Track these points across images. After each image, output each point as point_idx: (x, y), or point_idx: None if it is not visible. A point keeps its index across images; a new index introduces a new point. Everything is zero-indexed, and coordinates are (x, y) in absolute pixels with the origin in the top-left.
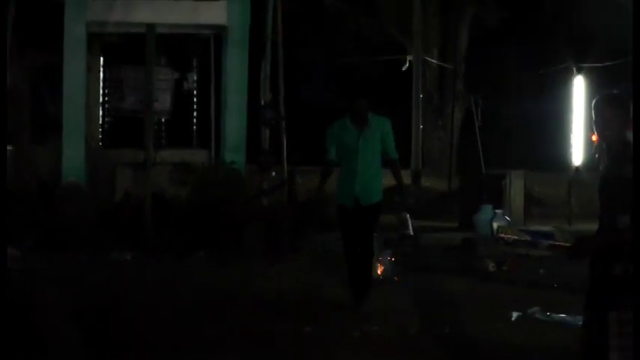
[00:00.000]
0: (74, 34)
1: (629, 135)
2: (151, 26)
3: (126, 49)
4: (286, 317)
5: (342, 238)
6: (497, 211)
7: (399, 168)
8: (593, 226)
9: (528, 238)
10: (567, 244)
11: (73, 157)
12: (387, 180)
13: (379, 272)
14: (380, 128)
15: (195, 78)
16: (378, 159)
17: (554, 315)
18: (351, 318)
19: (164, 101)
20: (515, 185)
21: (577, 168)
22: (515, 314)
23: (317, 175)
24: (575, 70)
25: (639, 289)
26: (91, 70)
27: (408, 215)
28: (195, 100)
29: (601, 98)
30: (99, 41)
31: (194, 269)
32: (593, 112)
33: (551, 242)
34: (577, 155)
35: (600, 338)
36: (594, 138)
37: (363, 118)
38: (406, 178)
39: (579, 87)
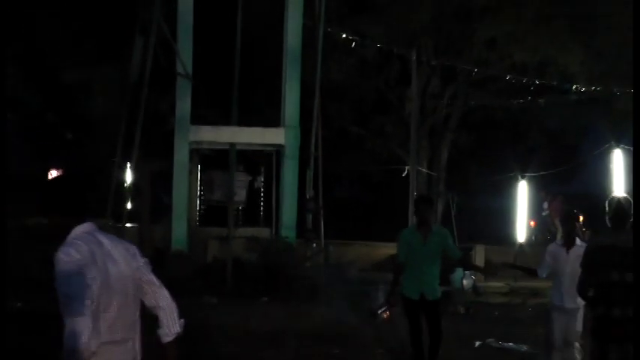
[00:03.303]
0: (180, 150)
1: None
2: (232, 145)
3: (215, 159)
4: (321, 342)
5: (410, 328)
6: (466, 272)
7: (466, 259)
8: (530, 284)
9: None
10: None
11: (178, 232)
12: None
13: (385, 316)
14: (441, 235)
15: (262, 179)
16: (439, 261)
17: (504, 343)
18: (364, 344)
19: (241, 195)
20: (479, 254)
21: (520, 244)
22: (477, 343)
23: (345, 247)
24: (519, 177)
25: (639, 293)
26: (192, 173)
27: None
28: (262, 194)
29: (623, 200)
30: (197, 154)
31: (260, 310)
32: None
33: None
34: (520, 234)
35: None
36: (532, 223)
37: (428, 226)
38: None
39: (523, 189)
